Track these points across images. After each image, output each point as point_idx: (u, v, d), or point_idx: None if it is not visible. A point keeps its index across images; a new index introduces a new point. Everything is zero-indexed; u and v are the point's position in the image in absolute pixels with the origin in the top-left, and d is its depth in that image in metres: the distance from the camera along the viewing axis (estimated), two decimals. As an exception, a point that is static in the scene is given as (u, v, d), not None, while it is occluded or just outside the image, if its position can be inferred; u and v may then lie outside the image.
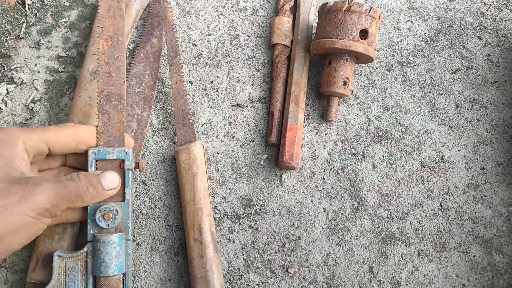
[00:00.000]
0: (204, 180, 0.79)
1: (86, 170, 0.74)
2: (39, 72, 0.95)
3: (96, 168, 0.75)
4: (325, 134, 0.88)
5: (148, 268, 0.78)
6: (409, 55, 0.97)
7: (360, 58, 0.86)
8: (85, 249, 0.71)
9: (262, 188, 0.84)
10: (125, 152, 0.75)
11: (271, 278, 0.79)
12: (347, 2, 0.82)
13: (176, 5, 1.03)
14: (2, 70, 0.94)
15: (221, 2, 1.04)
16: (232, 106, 0.92)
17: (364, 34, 0.83)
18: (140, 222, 0.81)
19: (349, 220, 0.81)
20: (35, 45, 0.98)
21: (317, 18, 0.99)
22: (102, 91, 0.78)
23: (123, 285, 0.72)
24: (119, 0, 0.81)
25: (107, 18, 0.80)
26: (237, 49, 0.98)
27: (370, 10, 0.83)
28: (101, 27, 0.79)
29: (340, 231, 0.81)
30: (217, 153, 0.87)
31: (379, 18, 0.85)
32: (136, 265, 0.78)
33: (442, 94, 0.93)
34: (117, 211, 0.73)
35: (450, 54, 0.98)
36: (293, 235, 0.81)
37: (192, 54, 0.97)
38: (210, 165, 0.86)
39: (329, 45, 0.81)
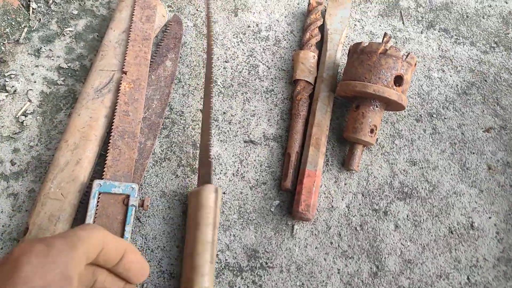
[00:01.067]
0: (208, 233, 0.68)
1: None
2: (35, 82, 0.90)
3: (98, 200, 0.72)
4: (345, 184, 0.83)
5: (133, 320, 0.70)
6: (439, 106, 0.93)
7: (391, 106, 0.81)
8: None
9: (270, 238, 0.77)
10: (132, 187, 0.73)
11: None
12: (383, 44, 0.78)
13: (193, 26, 0.99)
14: (-5, 76, 0.88)
15: (242, 29, 1.00)
16: (245, 141, 0.87)
17: (399, 80, 0.79)
18: (129, 264, 0.73)
19: (366, 286, 0.74)
20: (34, 53, 0.93)
21: (345, 56, 0.96)
22: (117, 127, 0.81)
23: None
24: (146, 51, 0.89)
25: (133, 65, 0.87)
26: (255, 80, 0.93)
27: (407, 56, 0.79)
28: (125, 72, 0.86)
29: (355, 297, 0.74)
30: (224, 193, 0.81)
31: (415, 65, 0.81)
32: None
33: (473, 153, 0.88)
34: (109, 252, 0.66)
35: (483, 110, 0.94)
36: (301, 297, 0.74)
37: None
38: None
39: (360, 89, 0.77)
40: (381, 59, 0.78)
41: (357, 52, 0.81)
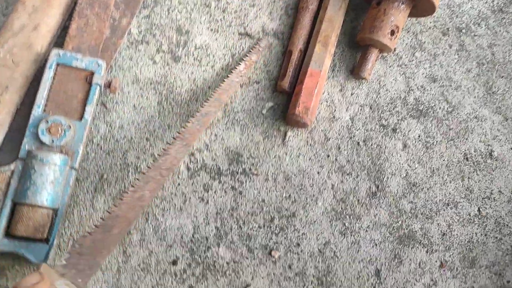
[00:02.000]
0: None
1: None
2: None
3: (55, 74, 0.62)
4: (351, 94, 0.73)
5: (86, 214, 0.62)
6: (470, 21, 0.82)
7: (419, 6, 0.70)
8: (11, 167, 0.56)
9: (258, 143, 0.68)
10: (98, 64, 0.64)
11: (247, 258, 0.63)
12: None
13: None
14: None
15: None
16: (240, 34, 0.76)
17: (433, -28, 0.67)
18: (88, 152, 0.65)
19: (362, 206, 0.66)
20: None
21: None
22: None
23: (51, 224, 0.56)
24: None
25: None
26: (259, -34, 0.81)
27: None
28: None
29: (348, 217, 0.66)
30: (209, 87, 0.70)
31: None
32: (71, 206, 0.61)
33: (502, 77, 0.78)
34: (69, 128, 0.58)
35: (520, 33, 0.83)
36: (286, 209, 0.66)
37: (201, -40, 0.79)
38: (197, 101, 0.69)
39: (386, -24, 0.65)
40: None
41: None
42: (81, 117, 0.63)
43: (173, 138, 0.63)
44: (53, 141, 0.59)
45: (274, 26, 0.78)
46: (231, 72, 0.71)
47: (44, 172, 0.57)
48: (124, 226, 0.57)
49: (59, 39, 0.70)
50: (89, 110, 0.63)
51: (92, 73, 0.65)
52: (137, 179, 0.59)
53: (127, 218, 0.57)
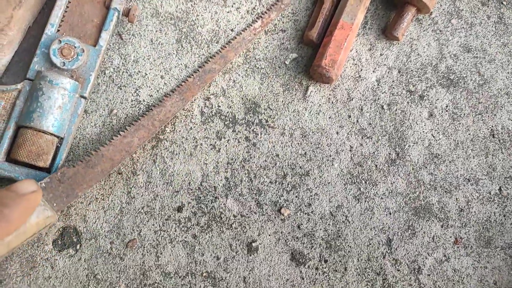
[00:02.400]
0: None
1: None
2: None
3: None
4: (380, 55, 0.68)
5: (91, 149, 0.58)
6: (513, -6, 0.77)
7: (465, -35, 0.65)
8: (18, 86, 0.52)
9: (277, 94, 0.64)
10: None
11: (255, 213, 0.60)
12: None
13: None
14: None
15: None
16: None
17: None
18: (99, 84, 0.61)
19: (380, 172, 0.63)
20: None
21: None
22: None
23: (54, 153, 0.52)
24: None
25: None
26: None
27: None
28: None
29: (363, 182, 0.63)
30: (232, 30, 0.66)
31: None
32: (77, 138, 0.58)
33: (540, 56, 0.74)
34: (82, 52, 0.54)
35: None
36: (300, 167, 0.62)
37: None
38: (218, 43, 0.65)
39: None
40: None
41: None
42: (95, 43, 0.59)
43: (171, 90, 0.60)
44: (64, 63, 0.55)
45: (307, -27, 0.73)
46: (246, 28, 0.66)
47: (52, 96, 0.53)
48: (107, 167, 0.56)
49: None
50: (105, 36, 0.59)
51: (110, -2, 0.60)
52: (130, 124, 0.58)
53: (111, 160, 0.56)
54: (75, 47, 0.56)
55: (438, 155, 0.66)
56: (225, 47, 0.65)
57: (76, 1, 0.59)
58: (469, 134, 0.68)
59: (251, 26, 0.67)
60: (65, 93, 0.54)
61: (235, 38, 0.66)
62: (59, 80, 0.53)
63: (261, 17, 0.68)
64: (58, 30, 0.58)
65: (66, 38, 0.56)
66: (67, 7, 0.58)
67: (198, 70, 0.63)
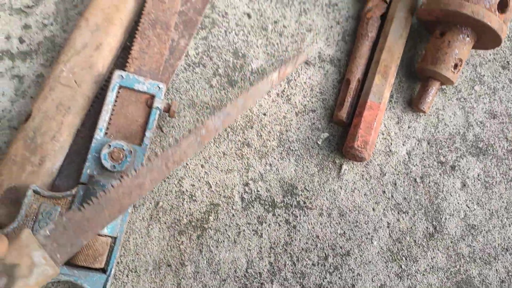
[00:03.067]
0: None
1: None
2: (56, -50, 0.76)
3: (118, 95, 0.62)
4: (408, 127, 0.71)
5: (141, 242, 0.61)
6: (532, 55, 0.80)
7: (484, 39, 0.68)
8: (73, 192, 0.55)
9: (313, 175, 0.67)
10: (158, 87, 0.63)
11: (300, 296, 0.62)
12: (495, -42, 0.63)
13: None
14: None
15: None
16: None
17: (503, 5, 0.65)
18: (145, 177, 0.63)
19: (419, 247, 0.64)
20: None
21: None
22: (149, 13, 0.68)
23: (109, 252, 0.55)
24: None
25: None
26: (317, -11, 0.80)
27: (520, -22, 0.64)
28: None
29: (404, 258, 0.64)
30: (264, 114, 0.69)
31: (525, -7, 0.67)
32: (127, 233, 0.61)
33: None
34: (130, 154, 0.57)
35: None
36: (341, 247, 0.64)
37: (259, -19, 0.78)
38: (252, 128, 0.68)
39: (454, 8, 0.64)
40: (488, -24, 0.64)
41: (456, -36, 0.67)
42: (140, 142, 0.62)
43: (188, 131, 0.59)
44: (114, 166, 0.59)
45: (331, 52, 0.76)
46: (262, 79, 0.67)
47: (105, 200, 0.56)
48: (115, 211, 0.52)
49: (120, 59, 0.70)
50: (149, 135, 0.62)
51: (152, 96, 0.64)
52: (141, 165, 0.55)
53: (120, 203, 0.52)
54: (123, 149, 0.59)
55: (475, 225, 0.67)
56: (244, 94, 0.63)
57: (121, 104, 0.63)
58: (502, 202, 0.69)
59: (268, 77, 0.66)
60: (116, 195, 0.57)
61: (252, 86, 0.65)
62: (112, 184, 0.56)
63: (277, 69, 0.68)
64: (106, 133, 0.61)
65: (115, 142, 0.59)
66: (113, 110, 0.62)
67: (217, 113, 0.61)
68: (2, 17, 0.71)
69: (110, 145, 0.59)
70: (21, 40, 0.71)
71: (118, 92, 0.63)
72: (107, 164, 0.59)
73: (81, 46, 0.65)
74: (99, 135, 0.60)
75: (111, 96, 0.62)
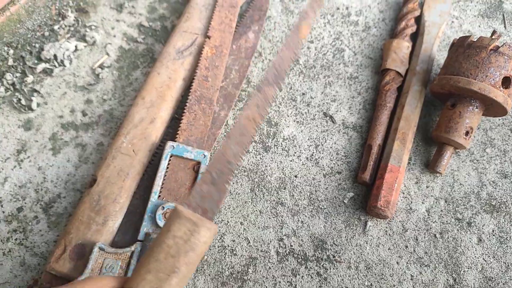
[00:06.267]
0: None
1: None
2: (115, 36, 0.89)
3: (169, 163, 0.70)
4: (427, 187, 0.77)
5: (190, 282, 0.68)
6: (538, 119, 0.86)
7: (491, 109, 0.76)
8: (132, 248, 0.63)
9: (340, 231, 0.73)
10: (204, 155, 0.72)
11: None
12: (496, 40, 0.72)
13: (280, 1, 0.96)
14: (76, 25, 0.88)
15: (330, 10, 0.96)
16: (324, 114, 0.83)
17: (506, 82, 0.73)
18: (191, 234, 0.71)
19: (441, 298, 0.69)
20: (117, 7, 0.92)
21: (441, 51, 0.90)
22: (195, 91, 0.79)
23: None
24: (231, 19, 0.87)
25: (217, 31, 0.85)
26: (339, 64, 0.89)
27: (520, 56, 0.72)
28: (209, 36, 0.84)
29: (427, 308, 0.69)
30: (295, 176, 0.77)
31: (525, 68, 0.75)
32: (177, 284, 0.67)
33: None
34: (179, 215, 0.64)
35: None
36: (368, 298, 0.69)
37: (288, 58, 0.88)
38: (285, 188, 0.76)
39: (463, 85, 0.71)
40: (491, 56, 0.72)
41: (463, 46, 0.76)
42: (188, 203, 0.70)
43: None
44: (167, 226, 0.66)
45: (354, 119, 0.84)
46: (290, 34, 0.64)
47: (160, 255, 0.63)
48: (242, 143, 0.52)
49: (168, 129, 0.79)
50: (196, 197, 0.70)
51: (198, 163, 0.73)
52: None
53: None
54: (175, 210, 0.67)
55: (492, 278, 0.72)
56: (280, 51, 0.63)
57: (171, 170, 0.72)
58: (518, 256, 0.74)
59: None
60: (169, 250, 0.64)
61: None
62: (165, 241, 0.64)
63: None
64: (159, 196, 0.70)
65: (168, 204, 0.67)
66: (165, 175, 0.71)
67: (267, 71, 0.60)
68: (68, 93, 0.82)
69: (163, 207, 0.67)
70: (84, 113, 0.81)
71: (170, 159, 0.72)
72: (161, 223, 0.66)
73: (139, 121, 0.75)
74: (154, 198, 0.69)
75: (164, 163, 0.71)
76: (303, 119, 0.83)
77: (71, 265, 0.65)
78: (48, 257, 0.67)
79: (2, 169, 0.74)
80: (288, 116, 0.83)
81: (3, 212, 0.71)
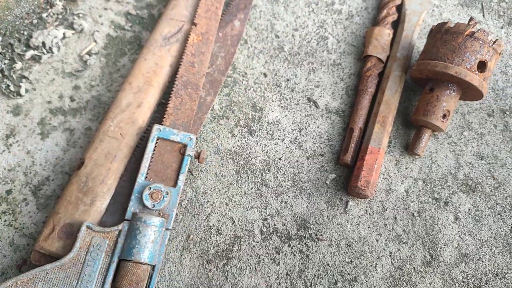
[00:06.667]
0: None
1: None
2: (102, 24, 0.90)
3: (156, 145, 0.72)
4: (406, 168, 0.80)
5: (175, 270, 0.70)
6: (514, 104, 0.89)
7: (468, 92, 0.78)
8: (119, 227, 0.65)
9: (322, 211, 0.75)
10: (190, 138, 0.73)
11: (314, 318, 0.69)
12: (472, 26, 0.74)
13: (265, -10, 0.97)
14: (64, 13, 0.89)
15: (314, -2, 0.97)
16: (308, 99, 0.85)
17: (482, 66, 0.75)
18: (177, 214, 0.73)
19: (418, 273, 0.72)
20: (105, -5, 0.93)
21: (421, 39, 0.93)
22: (182, 76, 0.80)
23: (148, 279, 0.64)
24: (217, 7, 0.88)
25: (204, 18, 0.87)
26: (323, 51, 0.91)
27: (494, 42, 0.75)
28: (195, 24, 0.86)
29: (405, 283, 0.72)
30: (279, 159, 0.79)
31: (500, 54, 0.77)
32: (163, 262, 0.70)
33: (546, 157, 0.83)
34: (167, 194, 0.67)
35: (561, 115, 0.89)
36: (349, 274, 0.72)
37: (273, 46, 0.90)
38: (269, 170, 0.78)
39: (441, 69, 0.74)
40: (467, 41, 0.75)
41: (441, 31, 0.78)
42: (175, 184, 0.72)
43: None
44: (154, 205, 0.68)
45: (336, 104, 0.87)
46: None
47: (147, 233, 0.65)
48: None
49: (155, 113, 0.81)
50: (182, 178, 0.72)
51: (185, 146, 0.74)
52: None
53: None
54: (161, 191, 0.69)
55: (467, 254, 0.75)
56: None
57: (158, 152, 0.73)
58: (491, 233, 0.77)
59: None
60: (156, 229, 0.66)
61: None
62: (151, 220, 0.66)
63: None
64: (146, 177, 0.71)
65: (154, 184, 0.69)
66: (152, 157, 0.72)
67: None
68: (56, 79, 0.83)
69: (150, 187, 0.69)
70: (72, 99, 0.82)
71: (156, 142, 0.73)
72: (148, 203, 0.68)
73: (126, 105, 0.76)
74: (140, 179, 0.70)
75: (150, 146, 0.72)
76: (287, 104, 0.85)
77: (59, 244, 0.66)
78: (37, 236, 0.68)
79: (-8, 153, 0.76)
80: (272, 101, 0.85)
81: (-7, 194, 0.73)
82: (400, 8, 0.95)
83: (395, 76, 0.84)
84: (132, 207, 0.68)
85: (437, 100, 0.77)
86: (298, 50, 0.92)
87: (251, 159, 0.79)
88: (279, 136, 0.82)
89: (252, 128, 0.82)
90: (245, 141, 0.80)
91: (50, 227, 0.67)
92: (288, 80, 0.88)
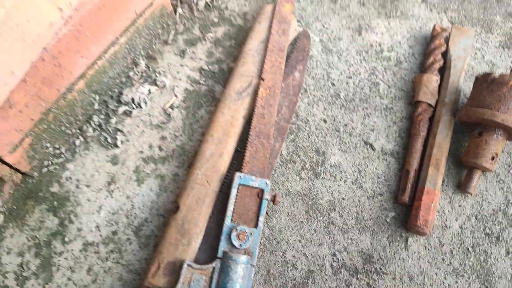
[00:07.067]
0: None
1: None
2: (180, 79, 1.02)
3: (237, 191, 0.81)
4: (459, 206, 0.88)
5: (259, 301, 0.80)
6: (557, 142, 0.96)
7: (514, 137, 0.86)
8: (213, 264, 0.75)
9: (385, 246, 0.84)
10: (266, 183, 0.81)
11: None
12: (516, 78, 0.83)
13: (320, 41, 1.08)
14: (147, 71, 1.01)
15: (365, 47, 1.07)
16: (364, 142, 0.94)
17: (527, 113, 0.83)
18: (258, 252, 0.83)
19: (475, 303, 0.79)
20: (180, 53, 1.05)
21: (467, 83, 1.00)
22: (255, 127, 0.91)
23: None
24: (280, 62, 0.98)
25: (270, 73, 0.97)
26: (375, 97, 1.01)
27: (538, 91, 0.83)
28: (263, 79, 0.96)
29: (463, 313, 0.80)
30: (343, 199, 0.89)
31: (543, 100, 0.85)
32: (249, 294, 0.80)
33: None
34: (251, 235, 0.77)
35: None
36: (412, 304, 0.80)
37: (330, 93, 1.00)
38: (335, 210, 0.87)
39: (488, 117, 0.82)
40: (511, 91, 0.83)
41: (486, 81, 0.86)
42: (256, 225, 0.82)
43: None
44: (241, 245, 0.79)
45: (391, 147, 0.96)
46: None
47: (237, 270, 0.76)
48: None
49: (232, 161, 0.91)
50: (261, 219, 0.82)
51: (262, 190, 0.84)
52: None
53: None
54: (246, 232, 0.80)
55: (520, 286, 0.82)
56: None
57: (240, 197, 0.84)
58: (542, 265, 0.84)
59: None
60: (244, 266, 0.76)
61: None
62: (240, 258, 0.76)
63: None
64: (232, 220, 0.82)
65: (240, 226, 0.80)
66: (235, 202, 0.83)
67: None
68: (145, 131, 0.96)
69: (237, 229, 0.80)
70: (160, 148, 0.95)
71: (238, 188, 0.84)
72: (236, 243, 0.79)
73: (209, 155, 0.87)
74: (227, 221, 0.81)
75: (234, 192, 0.83)
76: (347, 148, 0.95)
77: (165, 279, 0.77)
78: (143, 273, 0.80)
79: (97, 199, 0.88)
80: (333, 145, 0.95)
81: (101, 235, 0.85)
82: (445, 54, 1.03)
83: (445, 120, 0.93)
84: (222, 246, 0.79)
85: (486, 144, 0.85)
86: (353, 96, 1.01)
87: (318, 199, 0.89)
88: (341, 178, 0.91)
89: (317, 171, 0.92)
90: (312, 183, 0.90)
91: (156, 265, 0.78)
92: (345, 125, 0.98)
